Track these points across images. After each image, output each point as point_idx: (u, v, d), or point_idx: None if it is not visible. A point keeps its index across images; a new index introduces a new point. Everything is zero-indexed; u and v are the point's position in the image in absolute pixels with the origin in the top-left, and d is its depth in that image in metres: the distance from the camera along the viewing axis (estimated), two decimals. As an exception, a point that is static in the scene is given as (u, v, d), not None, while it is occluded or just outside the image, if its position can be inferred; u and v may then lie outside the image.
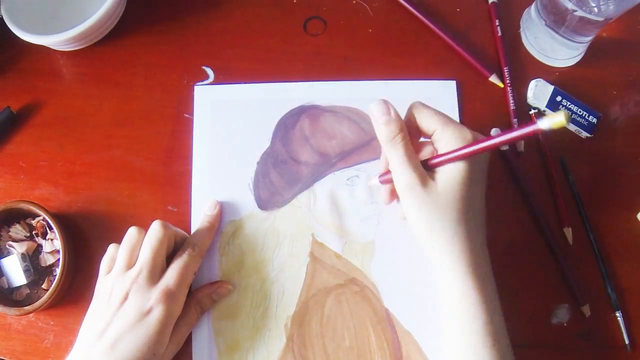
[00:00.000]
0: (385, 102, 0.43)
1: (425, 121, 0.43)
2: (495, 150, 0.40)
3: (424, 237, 0.43)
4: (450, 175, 0.41)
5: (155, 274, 0.44)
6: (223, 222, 0.51)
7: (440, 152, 0.42)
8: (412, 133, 0.44)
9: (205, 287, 0.49)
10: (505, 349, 0.42)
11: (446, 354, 0.43)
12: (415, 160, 0.42)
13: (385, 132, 0.43)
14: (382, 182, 0.48)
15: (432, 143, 0.44)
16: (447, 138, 0.42)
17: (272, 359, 0.48)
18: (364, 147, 0.53)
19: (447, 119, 0.43)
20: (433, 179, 0.42)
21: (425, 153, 0.44)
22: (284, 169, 0.53)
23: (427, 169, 0.43)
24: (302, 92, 0.55)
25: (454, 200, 0.41)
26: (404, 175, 0.42)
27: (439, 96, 0.54)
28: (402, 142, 0.42)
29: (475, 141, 0.41)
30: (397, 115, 0.43)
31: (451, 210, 0.41)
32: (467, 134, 0.41)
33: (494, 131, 0.53)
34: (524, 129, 0.35)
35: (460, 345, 0.42)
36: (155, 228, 0.46)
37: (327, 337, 0.49)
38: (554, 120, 0.31)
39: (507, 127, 0.53)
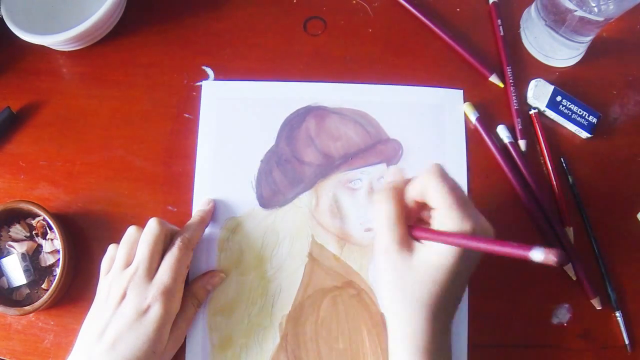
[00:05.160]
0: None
1: (433, 195, 0.40)
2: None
3: (387, 299, 0.41)
4: (432, 256, 0.39)
5: (152, 270, 0.44)
6: (224, 218, 0.51)
7: (432, 226, 0.40)
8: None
9: (198, 278, 0.49)
10: None
11: None
12: (401, 222, 0.41)
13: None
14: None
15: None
16: (444, 223, 0.39)
17: (265, 358, 0.48)
18: (369, 150, 0.53)
19: (456, 202, 0.39)
20: (413, 249, 0.40)
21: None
22: (287, 168, 0.52)
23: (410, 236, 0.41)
24: (310, 92, 0.54)
25: (426, 281, 0.39)
26: (383, 235, 0.41)
27: (445, 103, 0.54)
28: (394, 199, 0.41)
29: (470, 236, 0.38)
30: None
31: (420, 291, 0.39)
32: (467, 227, 0.38)
33: (500, 128, 0.53)
34: (519, 250, 0.34)
35: None
36: (151, 225, 0.46)
37: (321, 339, 0.49)
38: (546, 258, 0.32)
39: (510, 127, 0.54)
